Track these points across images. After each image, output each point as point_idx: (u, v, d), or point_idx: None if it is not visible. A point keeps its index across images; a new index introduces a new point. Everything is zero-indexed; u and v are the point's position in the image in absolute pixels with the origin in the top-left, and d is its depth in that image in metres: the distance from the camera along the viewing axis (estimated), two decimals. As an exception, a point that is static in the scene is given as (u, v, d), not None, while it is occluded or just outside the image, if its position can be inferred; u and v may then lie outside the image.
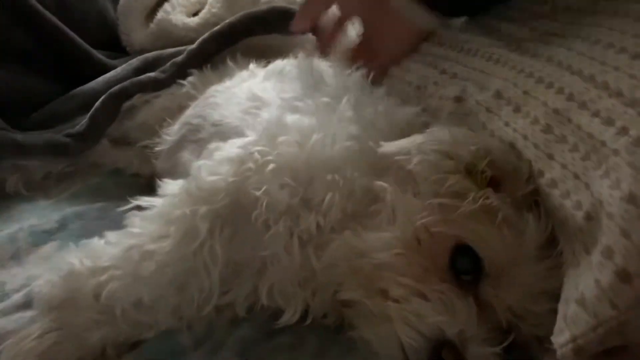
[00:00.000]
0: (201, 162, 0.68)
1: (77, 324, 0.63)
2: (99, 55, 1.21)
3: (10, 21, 1.10)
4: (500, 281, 0.55)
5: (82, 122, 1.02)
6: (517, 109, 0.62)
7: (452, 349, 0.52)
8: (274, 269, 0.63)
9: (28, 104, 1.10)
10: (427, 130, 0.64)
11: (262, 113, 0.75)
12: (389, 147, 0.63)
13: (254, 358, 0.62)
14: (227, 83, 0.96)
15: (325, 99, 0.72)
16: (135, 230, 0.64)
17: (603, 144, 0.48)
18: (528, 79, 0.63)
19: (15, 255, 0.77)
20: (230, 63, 1.02)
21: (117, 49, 1.31)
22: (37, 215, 0.88)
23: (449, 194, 0.57)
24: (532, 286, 0.54)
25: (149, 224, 0.64)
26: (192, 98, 1.01)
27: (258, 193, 0.61)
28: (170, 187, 0.67)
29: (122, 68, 1.13)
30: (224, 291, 0.65)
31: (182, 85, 1.04)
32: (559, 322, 0.47)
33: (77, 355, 0.63)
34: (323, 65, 0.85)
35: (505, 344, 0.53)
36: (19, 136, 0.98)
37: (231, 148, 0.67)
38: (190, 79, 1.04)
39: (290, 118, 0.68)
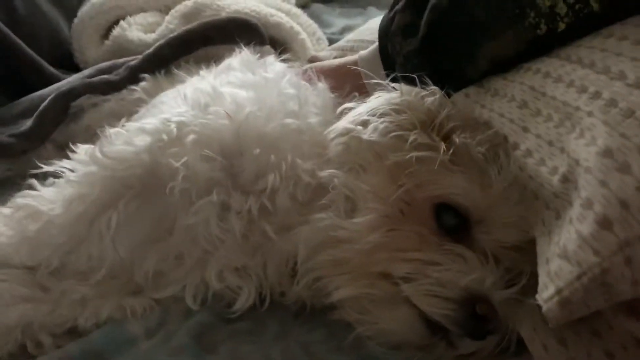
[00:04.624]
0: (115, 130, 0.64)
1: None
2: (50, 68, 1.16)
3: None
4: (487, 225, 0.54)
5: (28, 122, 0.96)
6: (495, 94, 0.63)
7: (484, 303, 0.51)
8: (218, 253, 0.60)
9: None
10: (375, 95, 0.62)
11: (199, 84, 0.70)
12: (340, 124, 0.60)
13: (211, 343, 0.57)
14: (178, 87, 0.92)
15: (268, 75, 0.69)
16: (34, 192, 0.62)
17: (577, 108, 0.50)
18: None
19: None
20: (182, 70, 0.97)
21: (71, 68, 1.26)
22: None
23: (414, 150, 0.55)
24: (517, 220, 0.53)
25: (49, 186, 0.62)
26: (143, 103, 0.96)
27: (176, 164, 0.57)
28: (81, 151, 0.64)
29: (75, 77, 1.08)
30: (164, 284, 0.62)
31: (134, 90, 0.99)
32: (542, 279, 0.45)
33: None
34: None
35: (523, 282, 0.51)
36: None
37: (151, 119, 0.63)
38: (142, 84, 0.99)
39: (227, 89, 0.65)
